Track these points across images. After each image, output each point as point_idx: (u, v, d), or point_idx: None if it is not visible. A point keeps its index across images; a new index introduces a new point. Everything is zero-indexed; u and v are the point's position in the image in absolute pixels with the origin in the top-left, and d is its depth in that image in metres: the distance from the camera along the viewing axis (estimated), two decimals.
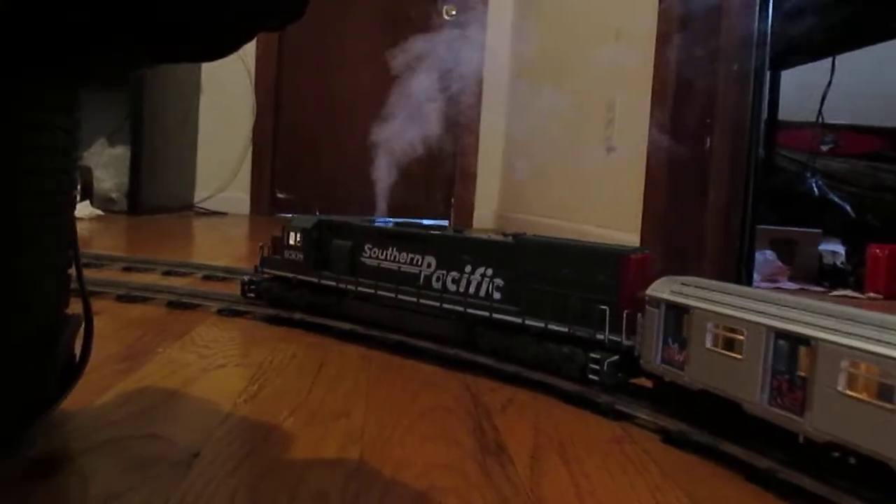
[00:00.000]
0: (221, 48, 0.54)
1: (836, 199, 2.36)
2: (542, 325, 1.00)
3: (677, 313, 0.83)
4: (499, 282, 1.07)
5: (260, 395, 0.89)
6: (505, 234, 1.11)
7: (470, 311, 1.09)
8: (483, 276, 1.09)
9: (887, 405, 0.58)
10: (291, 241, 1.32)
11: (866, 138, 2.65)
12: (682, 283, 0.85)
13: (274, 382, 0.95)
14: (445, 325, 1.13)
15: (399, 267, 1.20)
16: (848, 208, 2.39)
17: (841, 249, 2.22)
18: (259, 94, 3.24)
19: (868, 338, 0.61)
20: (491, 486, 0.65)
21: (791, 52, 2.02)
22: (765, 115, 1.56)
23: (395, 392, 0.97)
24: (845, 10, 1.66)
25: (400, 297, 1.17)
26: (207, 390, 0.89)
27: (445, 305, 1.12)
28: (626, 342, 0.92)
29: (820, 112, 2.34)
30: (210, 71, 3.07)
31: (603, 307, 0.94)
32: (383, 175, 1.40)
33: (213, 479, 0.62)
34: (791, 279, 2.18)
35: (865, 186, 2.50)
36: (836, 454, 0.64)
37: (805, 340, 0.66)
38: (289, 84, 3.31)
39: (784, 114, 2.35)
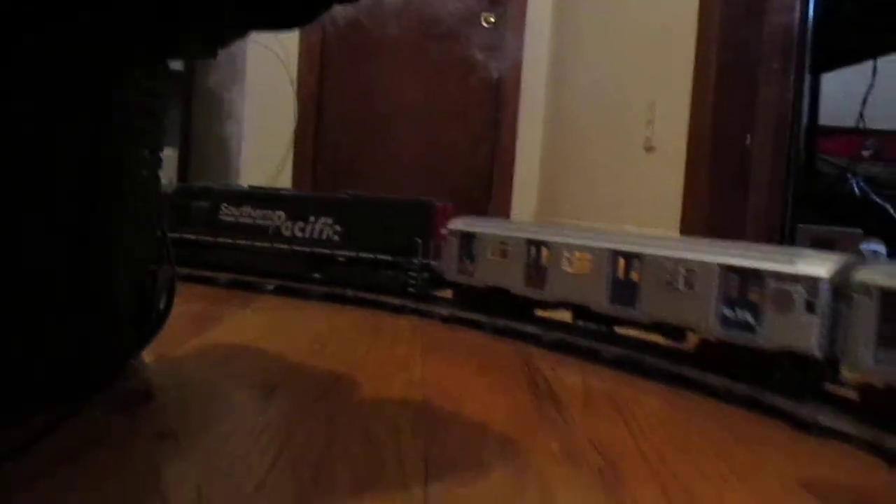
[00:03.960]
0: (307, 14, 0.64)
1: (878, 200, 2.26)
2: (372, 256, 1.38)
3: (468, 239, 1.25)
4: (338, 228, 1.43)
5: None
6: (341, 193, 1.47)
7: (315, 250, 1.44)
8: (325, 224, 1.44)
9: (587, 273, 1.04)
10: None
11: None
12: (470, 219, 1.28)
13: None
14: (295, 263, 1.47)
15: (254, 221, 1.51)
16: (890, 209, 2.28)
17: (882, 249, 2.11)
18: (301, 100, 3.04)
19: (576, 237, 1.06)
20: (545, 419, 0.76)
21: (831, 56, 2.01)
22: (806, 115, 1.56)
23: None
24: (886, 12, 1.64)
25: (256, 244, 1.49)
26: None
27: (295, 248, 1.46)
28: (434, 264, 1.33)
29: (861, 117, 2.27)
30: (253, 78, 2.92)
31: (418, 240, 1.34)
32: (417, 185, 1.52)
33: (292, 412, 0.72)
34: None
35: None
36: (567, 310, 1.10)
37: (543, 244, 1.11)
38: (330, 93, 3.08)
39: (826, 119, 2.28)
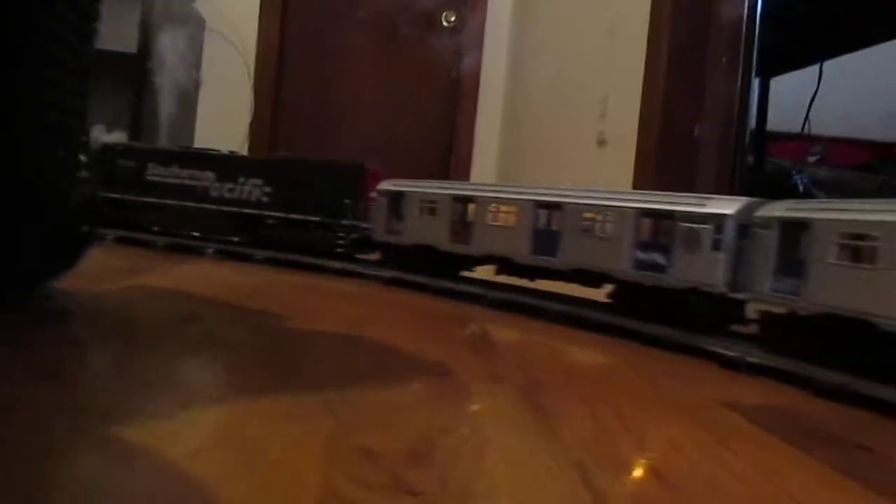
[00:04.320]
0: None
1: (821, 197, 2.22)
2: (302, 217, 1.38)
3: (397, 199, 1.26)
4: (268, 189, 1.42)
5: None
6: (273, 155, 1.46)
7: (244, 211, 1.42)
8: (254, 185, 1.43)
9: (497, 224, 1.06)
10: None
11: (854, 150, 2.69)
12: (398, 182, 1.29)
13: None
14: (223, 224, 1.45)
15: (182, 181, 1.48)
16: None
17: None
18: (258, 93, 2.96)
19: (501, 192, 1.09)
20: (475, 356, 0.78)
21: (779, 59, 2.03)
22: (755, 105, 1.62)
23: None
24: (830, 15, 1.65)
25: (183, 204, 1.47)
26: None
27: (224, 208, 1.44)
28: (364, 225, 1.34)
29: (806, 121, 2.28)
30: (210, 68, 2.84)
31: (348, 201, 1.34)
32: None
33: (209, 331, 0.75)
34: None
35: (847, 192, 2.43)
36: (486, 262, 1.12)
37: (469, 199, 1.13)
38: (287, 86, 3.03)
39: (774, 125, 2.33)
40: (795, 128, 2.38)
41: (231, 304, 0.94)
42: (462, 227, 1.15)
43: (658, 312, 0.90)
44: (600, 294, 1.01)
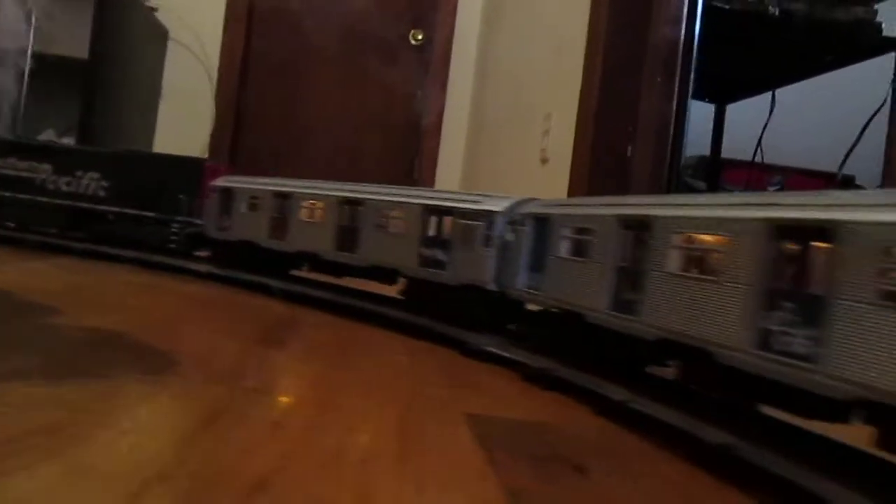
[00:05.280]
0: None
1: None
2: (137, 213, 1.34)
3: (227, 195, 1.24)
4: (105, 183, 1.38)
5: None
6: (114, 148, 1.42)
7: (80, 205, 1.38)
8: (92, 179, 1.39)
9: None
10: None
11: (815, 182, 2.51)
12: (230, 178, 1.27)
13: None
14: (59, 217, 1.40)
15: (18, 173, 1.43)
16: None
17: None
18: (219, 105, 2.88)
19: (314, 188, 1.07)
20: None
21: (733, 86, 2.03)
22: (686, 124, 1.54)
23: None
24: (780, 42, 1.61)
25: (18, 196, 1.41)
26: None
27: (58, 202, 1.39)
28: (198, 221, 1.30)
29: (758, 150, 2.21)
30: (171, 78, 2.75)
31: (182, 197, 1.31)
32: None
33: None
34: None
35: None
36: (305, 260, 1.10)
37: (285, 195, 1.11)
38: (251, 98, 2.94)
39: (730, 153, 2.27)
40: (751, 155, 2.30)
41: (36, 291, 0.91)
42: (280, 223, 1.13)
43: (440, 309, 0.90)
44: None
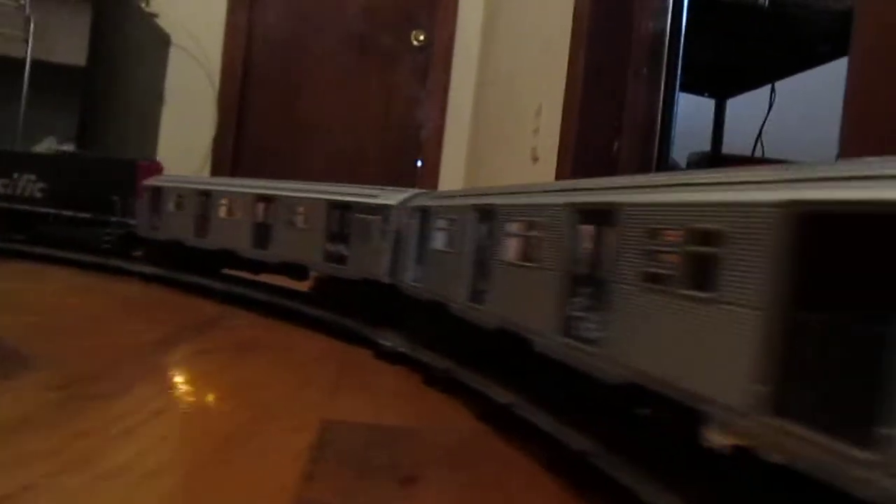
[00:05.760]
0: None
1: None
2: (72, 214, 1.34)
3: (157, 194, 1.23)
4: (42, 185, 1.38)
5: None
6: (53, 151, 1.42)
7: (16, 206, 1.38)
8: (29, 181, 1.39)
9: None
10: None
11: None
12: (161, 178, 1.26)
13: None
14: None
15: None
16: None
17: None
18: (221, 108, 2.87)
19: (232, 186, 1.07)
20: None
21: (733, 80, 1.96)
22: (674, 119, 1.49)
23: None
24: (773, 33, 1.57)
25: None
26: None
27: None
28: (132, 222, 1.30)
29: (757, 144, 2.16)
30: (173, 81, 2.75)
31: (115, 198, 1.31)
32: None
33: None
34: None
35: None
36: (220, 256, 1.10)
37: (207, 193, 1.11)
38: (253, 102, 2.94)
39: (730, 149, 2.19)
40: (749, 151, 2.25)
41: None
42: (203, 221, 1.12)
43: (344, 304, 0.89)
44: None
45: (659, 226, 0.35)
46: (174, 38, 2.76)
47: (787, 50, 1.69)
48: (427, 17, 3.13)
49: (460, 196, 0.66)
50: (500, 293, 0.53)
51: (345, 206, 0.88)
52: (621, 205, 0.38)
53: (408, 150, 3.11)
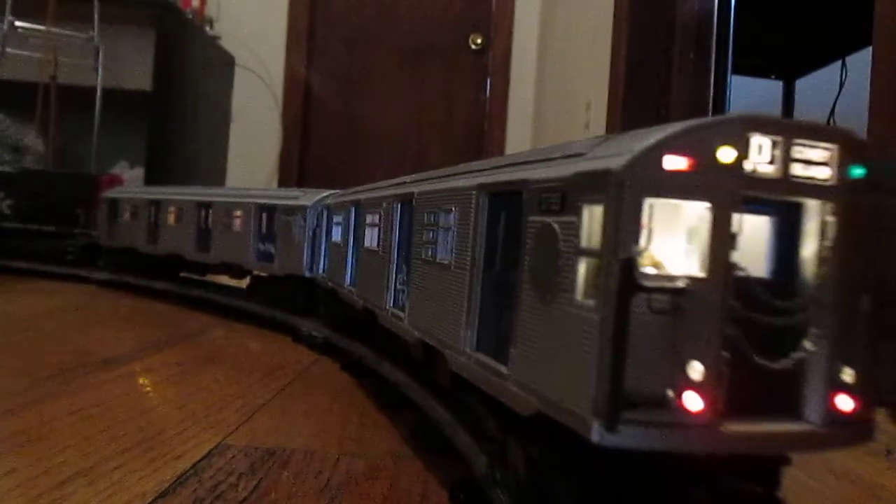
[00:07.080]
0: None
1: None
2: (37, 227, 1.42)
3: (114, 205, 1.32)
4: (9, 202, 1.46)
5: None
6: (18, 168, 1.50)
7: None
8: None
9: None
10: None
11: None
12: (117, 189, 1.34)
13: None
14: None
15: None
16: None
17: None
18: (286, 123, 2.94)
19: (177, 194, 1.15)
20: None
21: (801, 59, 1.87)
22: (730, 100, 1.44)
23: None
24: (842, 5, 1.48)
25: None
26: None
27: None
28: (94, 233, 1.38)
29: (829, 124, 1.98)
30: (239, 100, 2.83)
31: (79, 211, 1.39)
32: None
33: None
34: None
35: None
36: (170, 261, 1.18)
37: (157, 203, 1.19)
38: (316, 114, 2.99)
39: None
40: None
41: None
42: (154, 228, 1.20)
43: (274, 299, 0.97)
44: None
45: (429, 210, 0.43)
46: (238, 59, 2.83)
47: (856, 20, 1.45)
48: (484, 20, 3.15)
49: (350, 194, 0.74)
50: (362, 276, 0.61)
51: (272, 209, 0.96)
52: (415, 193, 0.46)
53: (469, 151, 3.14)
